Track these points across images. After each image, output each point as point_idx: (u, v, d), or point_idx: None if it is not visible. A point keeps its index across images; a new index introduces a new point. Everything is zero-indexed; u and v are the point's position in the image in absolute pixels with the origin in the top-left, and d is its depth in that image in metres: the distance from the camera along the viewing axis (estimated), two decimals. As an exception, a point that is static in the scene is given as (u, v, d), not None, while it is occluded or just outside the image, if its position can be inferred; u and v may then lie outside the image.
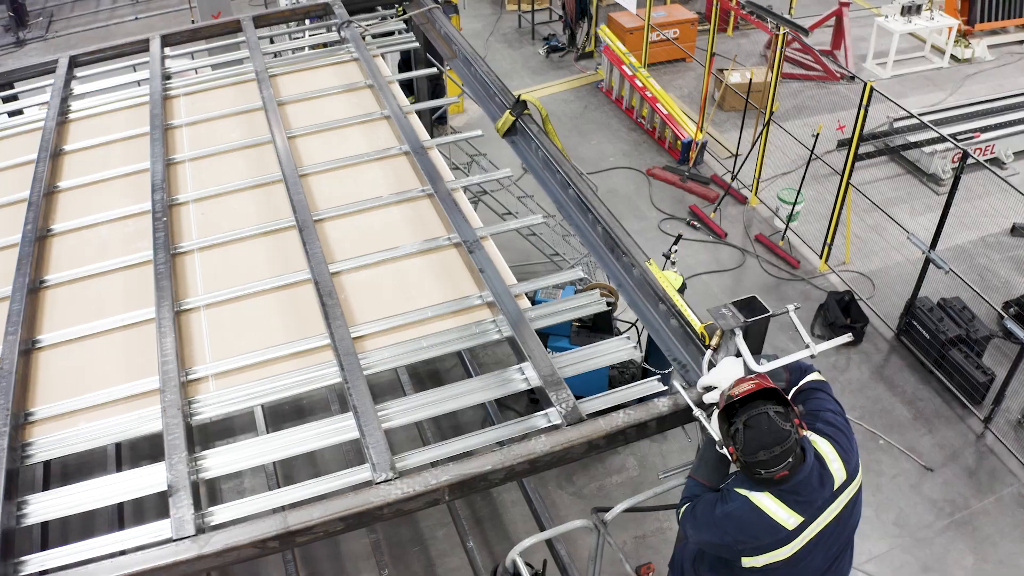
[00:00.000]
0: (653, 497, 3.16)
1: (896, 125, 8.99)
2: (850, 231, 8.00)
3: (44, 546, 4.01)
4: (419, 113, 5.80)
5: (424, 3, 5.50)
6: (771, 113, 8.34)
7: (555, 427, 2.78)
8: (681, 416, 2.89)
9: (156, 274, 3.47)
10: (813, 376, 3.06)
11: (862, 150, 9.03)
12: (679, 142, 9.61)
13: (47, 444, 2.98)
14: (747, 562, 2.88)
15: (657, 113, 9.95)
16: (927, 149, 8.72)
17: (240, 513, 2.61)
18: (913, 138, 8.77)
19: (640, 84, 10.25)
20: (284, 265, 3.63)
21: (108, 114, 4.81)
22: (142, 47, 5.27)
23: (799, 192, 8.15)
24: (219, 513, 2.63)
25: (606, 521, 3.10)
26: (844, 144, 9.36)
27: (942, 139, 6.85)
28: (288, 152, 4.15)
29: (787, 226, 8.38)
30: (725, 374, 2.85)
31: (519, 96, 4.38)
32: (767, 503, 2.79)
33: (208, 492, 5.19)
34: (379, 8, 5.73)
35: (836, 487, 2.85)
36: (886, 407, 6.81)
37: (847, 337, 3.09)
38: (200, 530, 2.52)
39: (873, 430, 6.59)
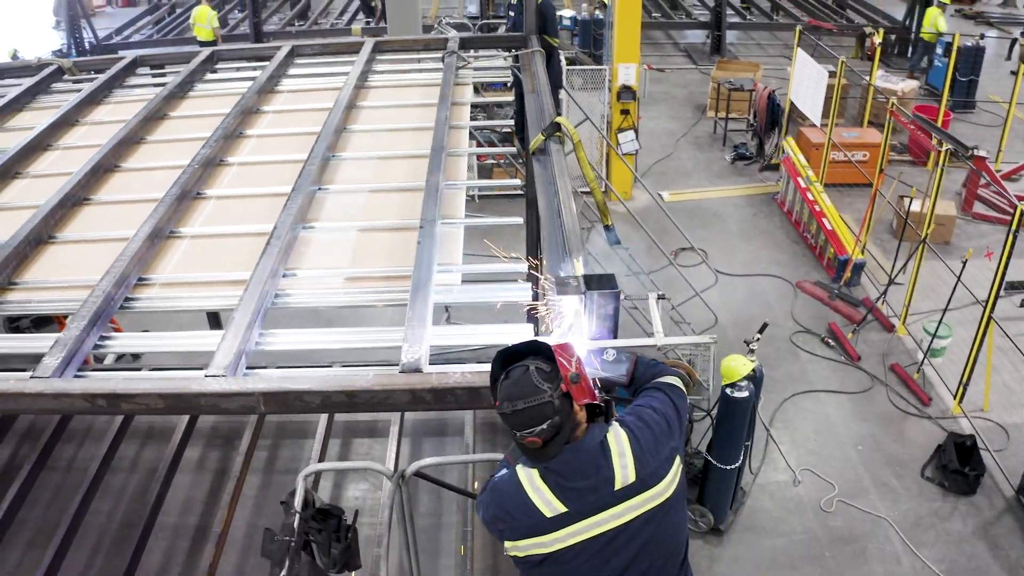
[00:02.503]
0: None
1: (1083, 276, 8.10)
2: (991, 375, 7.25)
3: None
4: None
5: (531, 47, 5.89)
6: (926, 239, 7.85)
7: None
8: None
9: (160, 203, 3.97)
10: (667, 379, 2.87)
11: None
12: (837, 259, 9.24)
13: (6, 308, 3.49)
14: (509, 548, 2.71)
15: (821, 228, 9.64)
16: (1113, 306, 7.77)
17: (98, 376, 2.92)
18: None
19: (811, 198, 10.02)
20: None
21: (214, 97, 5.56)
22: (272, 53, 6.05)
23: (940, 323, 7.55)
24: (85, 375, 2.95)
25: (405, 475, 3.07)
26: (1013, 287, 8.56)
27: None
28: (328, 139, 4.60)
29: (925, 358, 7.75)
30: None
31: (554, 120, 4.57)
32: (528, 478, 2.64)
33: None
34: (497, 49, 6.20)
35: (618, 487, 2.62)
36: (981, 567, 6.04)
37: (706, 338, 2.91)
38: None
39: (958, 589, 5.85)
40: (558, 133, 4.57)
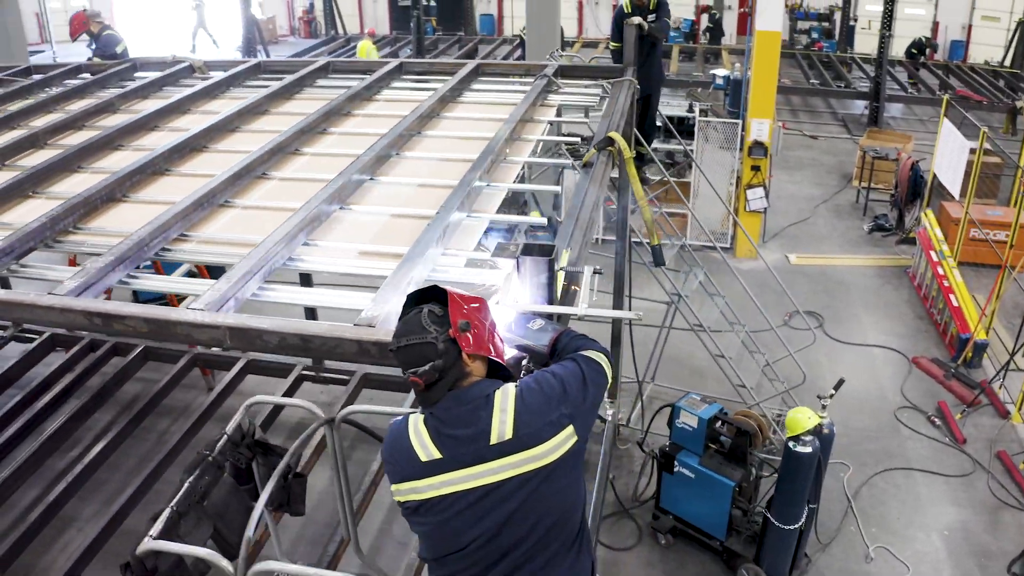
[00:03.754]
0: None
1: None
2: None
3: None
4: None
5: (625, 76, 5.99)
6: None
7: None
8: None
9: (219, 180, 4.34)
10: (587, 352, 2.82)
11: None
12: (959, 337, 8.70)
13: (65, 247, 3.95)
14: (393, 491, 2.75)
15: (947, 304, 9.13)
16: None
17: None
18: None
19: (942, 272, 9.51)
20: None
21: (314, 100, 6.01)
22: (378, 68, 6.47)
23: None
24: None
25: (335, 420, 3.15)
26: None
27: None
28: (391, 139, 4.94)
29: (1033, 448, 7.16)
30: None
31: (608, 135, 4.66)
32: (414, 422, 2.70)
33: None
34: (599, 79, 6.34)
35: (494, 441, 2.61)
36: None
37: (631, 314, 2.86)
38: (66, 298, 3.21)
39: None
40: (610, 148, 4.65)
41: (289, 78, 6.32)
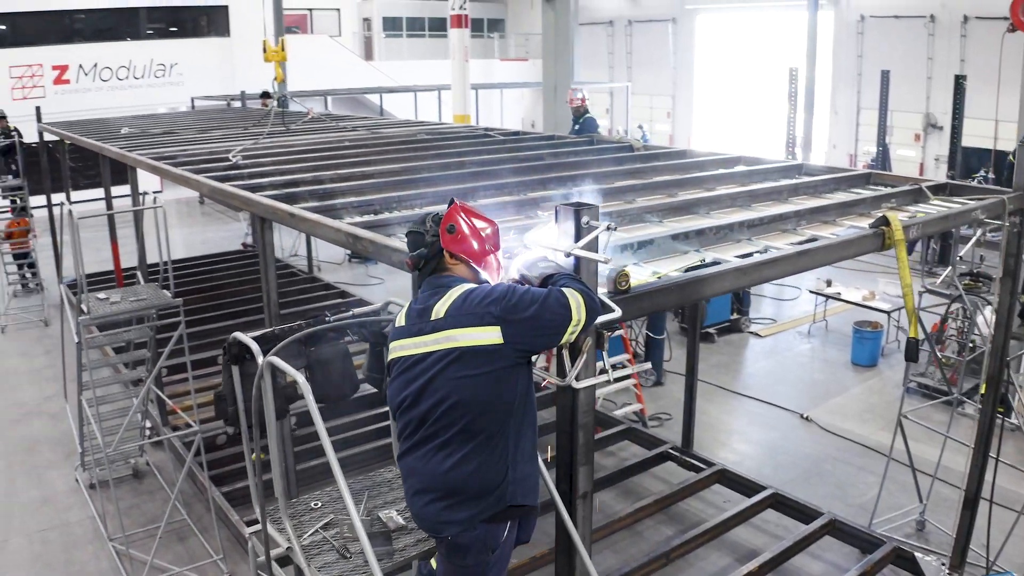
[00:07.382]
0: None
1: None
2: None
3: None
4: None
5: (999, 198, 5.08)
6: None
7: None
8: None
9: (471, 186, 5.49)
10: (567, 287, 2.89)
11: None
12: None
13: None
14: None
15: None
16: None
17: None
18: None
19: None
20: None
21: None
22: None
23: None
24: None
25: None
26: None
27: None
28: (698, 198, 5.33)
29: None
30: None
31: (884, 215, 4.25)
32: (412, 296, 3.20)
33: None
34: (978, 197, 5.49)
35: (432, 318, 2.99)
36: None
37: (600, 256, 3.00)
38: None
39: None
40: (883, 227, 4.24)
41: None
